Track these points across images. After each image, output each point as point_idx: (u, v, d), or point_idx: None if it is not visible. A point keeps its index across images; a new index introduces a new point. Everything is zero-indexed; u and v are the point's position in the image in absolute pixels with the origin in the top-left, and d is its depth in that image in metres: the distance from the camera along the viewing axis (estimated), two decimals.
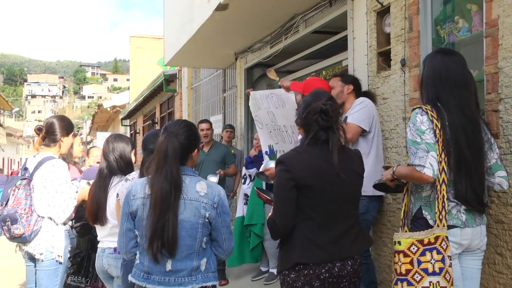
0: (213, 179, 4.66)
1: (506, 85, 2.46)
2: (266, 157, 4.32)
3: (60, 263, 3.03)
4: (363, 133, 3.22)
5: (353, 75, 3.61)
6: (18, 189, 2.96)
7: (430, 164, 2.04)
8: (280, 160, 2.14)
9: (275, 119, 4.11)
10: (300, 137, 3.53)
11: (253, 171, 4.88)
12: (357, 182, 2.16)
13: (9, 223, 2.86)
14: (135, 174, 2.66)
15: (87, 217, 2.96)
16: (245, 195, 5.00)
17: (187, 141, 2.10)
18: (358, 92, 3.44)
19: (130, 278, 2.11)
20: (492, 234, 2.53)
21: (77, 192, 3.20)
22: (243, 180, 5.16)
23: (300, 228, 2.06)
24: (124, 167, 2.89)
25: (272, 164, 3.53)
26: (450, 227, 2.09)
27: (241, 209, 4.92)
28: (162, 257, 2.00)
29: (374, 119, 3.28)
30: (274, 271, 4.73)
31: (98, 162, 4.51)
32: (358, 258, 2.12)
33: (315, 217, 2.05)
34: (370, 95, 3.48)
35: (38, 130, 3.15)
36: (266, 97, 4.14)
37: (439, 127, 2.08)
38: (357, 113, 3.22)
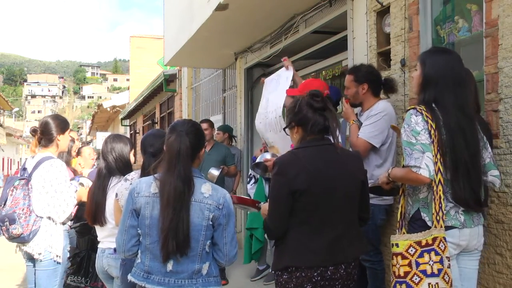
0: (215, 172, 4.70)
1: (506, 85, 2.46)
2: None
3: (59, 263, 3.03)
4: (374, 148, 3.06)
5: (368, 67, 3.30)
6: (16, 189, 2.96)
7: (426, 165, 2.02)
8: (275, 162, 2.13)
9: (268, 105, 3.99)
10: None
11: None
12: (355, 185, 2.13)
13: (7, 223, 2.85)
14: (134, 174, 2.66)
15: (86, 218, 2.96)
16: (249, 195, 5.04)
17: (196, 141, 2.10)
18: (376, 85, 3.19)
19: (129, 277, 2.10)
20: (492, 234, 2.53)
21: (76, 191, 3.20)
22: (248, 180, 5.18)
23: (294, 231, 2.06)
24: (122, 167, 2.89)
25: (268, 156, 3.55)
26: (448, 228, 2.08)
27: None
28: (176, 257, 1.99)
29: (388, 132, 3.06)
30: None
31: (92, 159, 4.55)
32: (353, 262, 2.11)
33: (309, 221, 2.05)
34: (389, 83, 3.22)
35: (33, 131, 3.14)
36: (270, 81, 4.07)
37: (434, 127, 2.06)
38: (369, 126, 3.04)
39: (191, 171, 2.05)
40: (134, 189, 2.10)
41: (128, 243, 2.10)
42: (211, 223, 2.04)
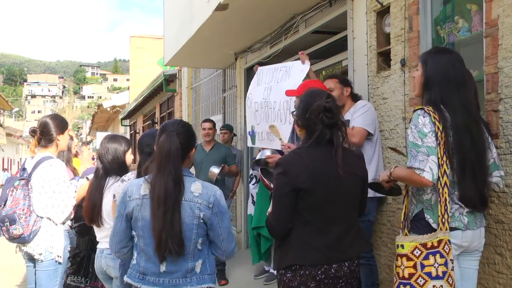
0: (215, 170, 4.71)
1: (506, 85, 2.46)
2: (248, 137, 4.29)
3: (60, 263, 3.03)
4: (368, 136, 3.24)
5: (345, 77, 3.64)
6: (16, 190, 2.95)
7: (430, 168, 2.02)
8: (278, 163, 2.13)
9: (270, 94, 3.95)
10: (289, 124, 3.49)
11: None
12: (357, 184, 2.14)
13: (8, 223, 2.85)
14: (131, 175, 2.66)
15: (84, 217, 2.96)
16: (251, 195, 5.07)
17: (187, 141, 2.10)
18: (353, 92, 3.47)
19: (125, 278, 2.10)
20: (492, 234, 2.53)
21: (75, 191, 3.20)
22: (249, 179, 5.19)
23: (298, 230, 2.06)
24: (117, 168, 2.90)
25: (268, 152, 3.57)
26: (452, 229, 2.08)
27: (251, 208, 4.98)
28: (170, 258, 1.99)
29: (376, 122, 3.32)
30: (275, 272, 4.73)
31: (92, 158, 4.58)
32: (355, 259, 2.11)
33: (313, 220, 2.05)
34: (358, 98, 3.50)
35: (33, 132, 3.13)
36: (274, 71, 4.05)
37: (441, 129, 2.05)
38: (361, 116, 3.24)
39: (181, 171, 2.04)
40: (126, 193, 2.10)
41: (118, 244, 2.13)
42: (202, 221, 2.04)
